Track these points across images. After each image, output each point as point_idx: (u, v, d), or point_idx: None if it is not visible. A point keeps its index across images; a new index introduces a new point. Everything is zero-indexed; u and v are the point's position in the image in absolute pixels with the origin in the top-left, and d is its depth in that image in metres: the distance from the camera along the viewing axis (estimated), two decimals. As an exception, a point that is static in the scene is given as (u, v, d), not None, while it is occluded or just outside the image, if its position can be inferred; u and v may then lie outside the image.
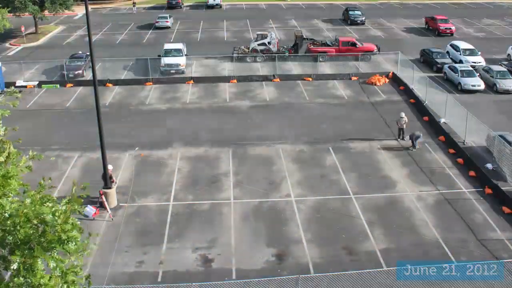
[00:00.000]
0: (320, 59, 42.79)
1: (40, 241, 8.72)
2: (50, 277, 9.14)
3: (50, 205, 8.98)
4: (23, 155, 9.84)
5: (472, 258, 19.52)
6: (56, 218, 8.83)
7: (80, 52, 44.30)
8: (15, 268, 8.61)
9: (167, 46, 43.81)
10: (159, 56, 42.10)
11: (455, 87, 37.77)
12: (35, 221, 8.71)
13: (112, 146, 27.19)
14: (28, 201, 8.94)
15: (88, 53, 43.55)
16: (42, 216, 8.70)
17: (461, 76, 37.65)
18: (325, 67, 43.19)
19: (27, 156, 9.81)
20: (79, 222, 9.20)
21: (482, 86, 37.15)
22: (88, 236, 9.70)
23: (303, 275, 18.03)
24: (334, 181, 25.32)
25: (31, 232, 8.65)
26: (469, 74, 37.92)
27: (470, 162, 26.48)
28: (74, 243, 9.00)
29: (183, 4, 73.90)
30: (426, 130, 31.23)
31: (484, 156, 27.16)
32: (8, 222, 8.65)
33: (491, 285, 17.81)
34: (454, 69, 38.87)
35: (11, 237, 8.79)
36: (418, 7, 72.67)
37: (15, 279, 8.86)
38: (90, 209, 22.12)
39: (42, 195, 9.11)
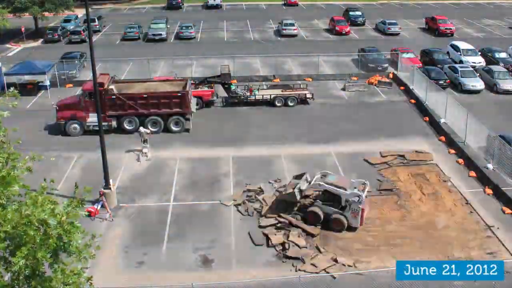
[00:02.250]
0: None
1: (42, 243, 8.73)
2: (52, 279, 9.15)
3: (52, 207, 8.97)
4: (24, 156, 9.83)
5: (472, 258, 19.50)
6: (58, 220, 8.84)
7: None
8: (16, 269, 8.60)
9: None
10: None
11: (455, 87, 37.74)
12: (36, 223, 8.71)
13: (113, 146, 27.17)
14: (29, 202, 8.93)
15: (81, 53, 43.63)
16: (43, 218, 8.70)
17: (461, 77, 37.65)
18: (325, 68, 43.20)
19: (27, 157, 9.81)
20: (79, 224, 9.21)
21: (482, 86, 37.16)
22: (91, 238, 9.67)
23: (303, 276, 18.03)
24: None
25: (33, 234, 8.65)
26: (469, 74, 37.93)
27: (470, 162, 26.47)
28: (75, 245, 9.01)
29: (183, 4, 73.90)
30: (426, 130, 31.25)
31: (484, 156, 27.13)
32: (10, 224, 8.64)
33: (491, 285, 17.78)
34: (454, 69, 38.86)
35: (13, 239, 8.79)
36: (418, 7, 72.66)
37: (18, 281, 8.87)
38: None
39: (43, 197, 9.10)
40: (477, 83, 37.18)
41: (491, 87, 37.70)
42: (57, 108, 30.26)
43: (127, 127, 30.25)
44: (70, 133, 30.00)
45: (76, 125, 29.93)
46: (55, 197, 9.87)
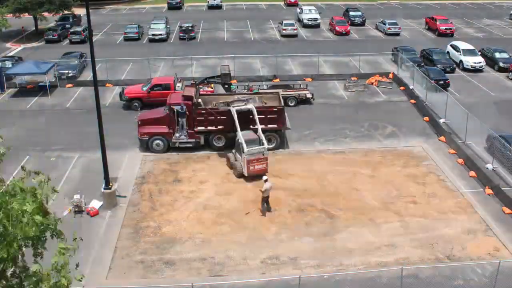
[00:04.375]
0: None
1: (22, 233, 8.70)
2: (36, 273, 9.13)
3: (19, 197, 8.93)
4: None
5: (470, 258, 19.51)
6: (36, 206, 8.81)
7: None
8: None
9: None
10: None
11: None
12: (15, 216, 8.68)
13: (112, 146, 27.15)
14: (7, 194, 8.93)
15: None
16: (23, 209, 8.68)
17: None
18: (325, 68, 43.19)
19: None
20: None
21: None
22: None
23: (304, 276, 18.02)
24: (334, 182, 25.28)
25: (11, 228, 8.63)
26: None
27: (470, 162, 26.43)
28: (53, 227, 9.02)
29: (183, 4, 73.93)
30: (426, 130, 31.23)
31: (484, 156, 27.11)
32: None
33: (491, 285, 17.80)
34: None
35: None
36: (418, 7, 72.65)
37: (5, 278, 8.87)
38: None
39: (22, 187, 9.07)
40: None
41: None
42: (139, 123, 28.24)
43: (216, 144, 28.12)
44: (153, 149, 27.92)
45: (159, 142, 27.87)
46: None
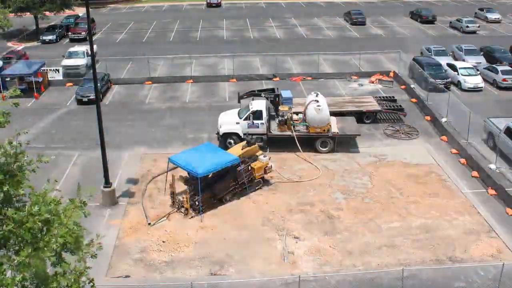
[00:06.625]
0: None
1: (45, 243, 8.74)
2: (54, 280, 9.13)
3: (56, 207, 8.99)
4: (32, 157, 9.86)
5: (472, 260, 19.36)
6: (61, 220, 8.86)
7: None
8: (20, 268, 8.63)
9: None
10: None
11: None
12: (40, 223, 8.71)
13: (112, 145, 27.07)
14: (34, 202, 8.96)
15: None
16: (47, 218, 8.71)
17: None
18: (326, 66, 43.02)
19: (34, 157, 9.80)
20: (82, 225, 9.25)
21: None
22: (96, 237, 9.71)
23: (303, 275, 17.91)
24: (335, 181, 25.15)
25: (36, 232, 8.67)
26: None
27: (473, 162, 26.21)
28: (80, 246, 9.05)
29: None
30: (428, 130, 31.05)
31: (487, 156, 26.89)
32: (15, 223, 8.66)
33: (495, 286, 17.67)
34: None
35: (17, 238, 8.80)
36: (419, 5, 72.36)
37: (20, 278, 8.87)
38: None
39: (47, 197, 9.12)
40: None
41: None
42: None
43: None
44: None
45: None
46: (57, 193, 9.92)
